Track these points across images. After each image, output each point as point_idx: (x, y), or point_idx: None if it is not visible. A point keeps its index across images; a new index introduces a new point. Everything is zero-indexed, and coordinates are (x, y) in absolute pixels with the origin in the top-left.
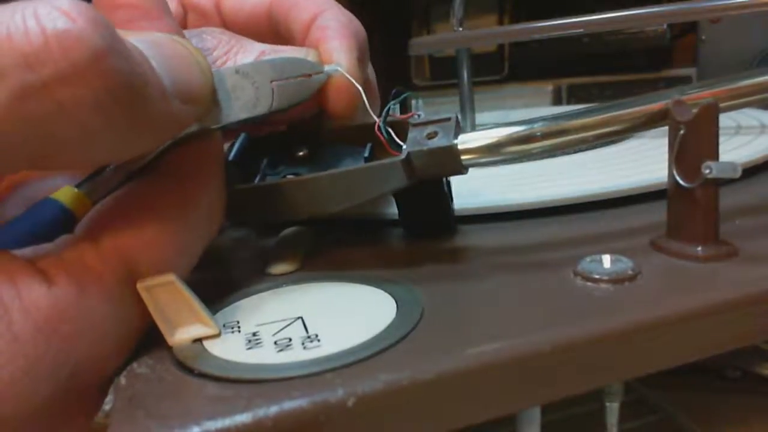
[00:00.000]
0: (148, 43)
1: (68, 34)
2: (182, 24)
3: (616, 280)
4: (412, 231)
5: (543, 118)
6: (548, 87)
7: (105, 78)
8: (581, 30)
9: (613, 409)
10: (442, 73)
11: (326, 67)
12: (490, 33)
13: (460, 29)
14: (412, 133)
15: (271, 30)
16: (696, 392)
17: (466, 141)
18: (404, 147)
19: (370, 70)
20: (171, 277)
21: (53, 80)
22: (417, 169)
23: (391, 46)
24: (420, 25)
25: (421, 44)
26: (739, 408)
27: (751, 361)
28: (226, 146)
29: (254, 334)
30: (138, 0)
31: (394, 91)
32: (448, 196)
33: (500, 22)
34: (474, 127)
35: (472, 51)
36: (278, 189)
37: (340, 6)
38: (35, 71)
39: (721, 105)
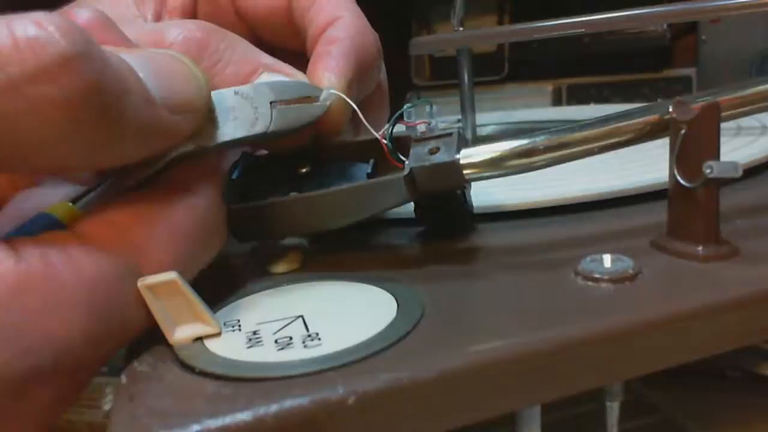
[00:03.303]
0: (139, 58)
1: (37, 39)
2: (191, 12)
3: (617, 279)
4: (429, 228)
5: (544, 132)
6: (548, 87)
7: (74, 78)
8: (581, 30)
9: (613, 409)
10: (443, 73)
11: (323, 93)
12: (490, 33)
13: (461, 29)
14: (414, 149)
15: (291, 26)
16: (696, 392)
17: (469, 155)
18: (407, 163)
19: (383, 76)
20: (173, 276)
21: (21, 79)
22: (420, 184)
23: (391, 46)
24: (420, 25)
25: (421, 44)
26: (739, 408)
27: (751, 361)
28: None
29: (255, 333)
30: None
31: (408, 95)
32: (464, 197)
33: (500, 22)
34: (475, 128)
35: (472, 51)
36: (281, 207)
37: (357, 13)
38: (3, 71)
39: (723, 114)
